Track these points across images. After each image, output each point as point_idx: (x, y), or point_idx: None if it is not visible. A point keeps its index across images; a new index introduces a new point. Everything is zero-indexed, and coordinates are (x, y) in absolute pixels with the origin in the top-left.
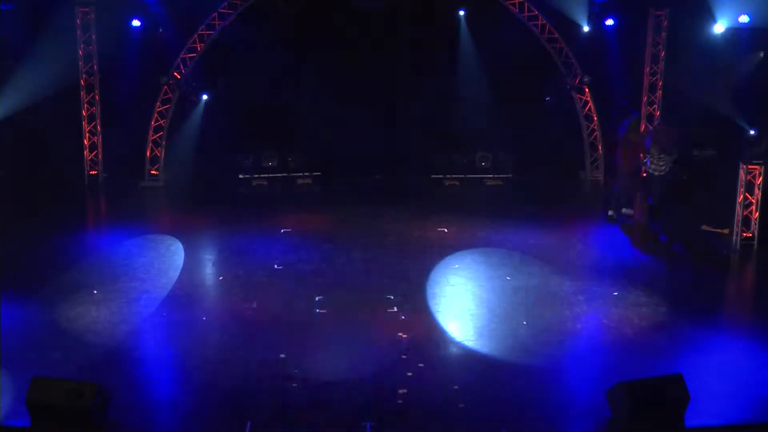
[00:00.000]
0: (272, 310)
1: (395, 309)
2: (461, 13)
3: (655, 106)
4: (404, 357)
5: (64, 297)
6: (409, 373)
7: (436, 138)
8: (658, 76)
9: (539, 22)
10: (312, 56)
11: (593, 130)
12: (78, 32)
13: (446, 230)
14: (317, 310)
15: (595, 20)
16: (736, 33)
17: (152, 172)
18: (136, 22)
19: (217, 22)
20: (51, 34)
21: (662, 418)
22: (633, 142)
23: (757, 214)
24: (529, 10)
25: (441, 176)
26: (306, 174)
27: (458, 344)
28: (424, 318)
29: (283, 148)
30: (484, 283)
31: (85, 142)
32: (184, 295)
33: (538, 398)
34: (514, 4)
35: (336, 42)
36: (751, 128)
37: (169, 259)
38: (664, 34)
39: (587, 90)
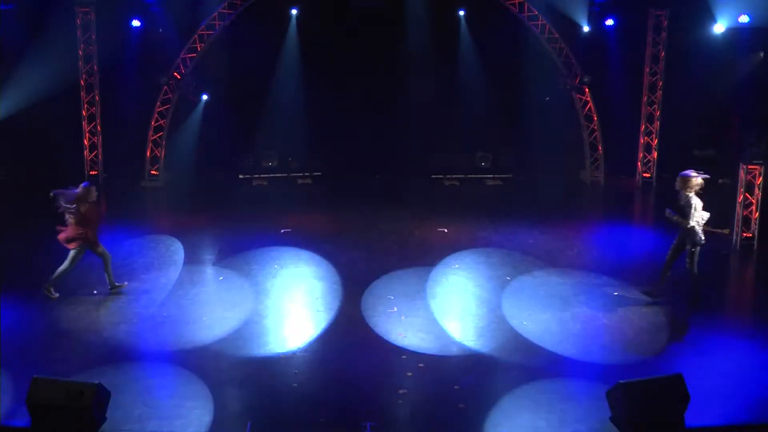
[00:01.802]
0: (272, 311)
1: (395, 309)
2: (461, 13)
3: (655, 106)
4: (404, 357)
5: (64, 297)
6: (409, 373)
7: (436, 138)
8: (658, 76)
9: (539, 22)
10: (312, 56)
11: (593, 130)
12: (78, 32)
13: (446, 230)
14: (317, 311)
15: (595, 20)
16: (736, 33)
17: (152, 172)
18: (136, 22)
19: (217, 22)
20: (51, 34)
21: (662, 418)
22: None
23: (757, 214)
24: (529, 10)
25: (441, 176)
26: (306, 174)
27: (458, 344)
28: (423, 318)
29: (283, 148)
30: (484, 283)
31: (85, 142)
32: (183, 296)
33: (538, 398)
34: (514, 4)
35: (336, 42)
36: (751, 128)
37: (169, 260)
38: (664, 34)
39: (587, 90)
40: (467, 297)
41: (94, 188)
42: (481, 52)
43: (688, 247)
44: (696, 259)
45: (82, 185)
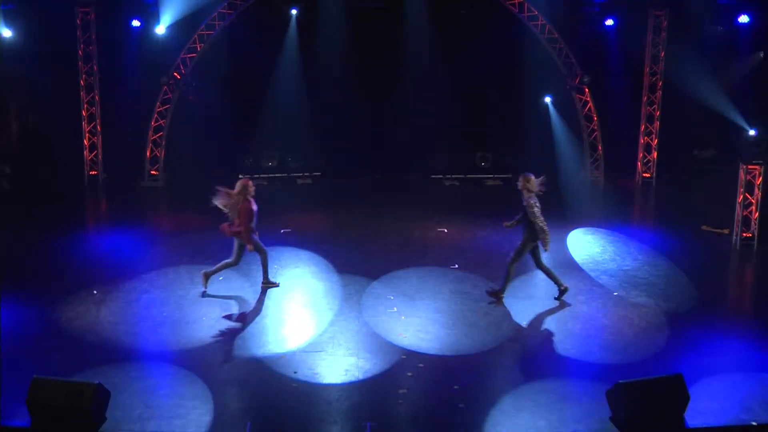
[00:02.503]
0: (272, 311)
1: (395, 309)
2: (461, 12)
3: (655, 106)
4: (404, 357)
5: (64, 297)
6: (409, 373)
7: (436, 138)
8: (658, 76)
9: (539, 22)
10: (312, 56)
11: (593, 130)
12: (78, 32)
13: (446, 230)
14: (318, 310)
15: (595, 20)
16: (736, 33)
17: (152, 172)
18: (136, 22)
19: (217, 22)
20: (51, 34)
21: (662, 418)
22: None
23: (757, 214)
24: (529, 10)
25: (441, 176)
26: (306, 174)
27: (458, 344)
28: (423, 318)
29: (283, 148)
30: (484, 283)
31: (85, 142)
32: (183, 296)
33: (537, 398)
34: (514, 4)
35: (336, 42)
36: (751, 128)
37: (169, 260)
38: (664, 34)
39: (587, 90)
40: (467, 297)
41: (251, 183)
42: (481, 52)
43: (531, 244)
44: (521, 257)
45: (239, 181)
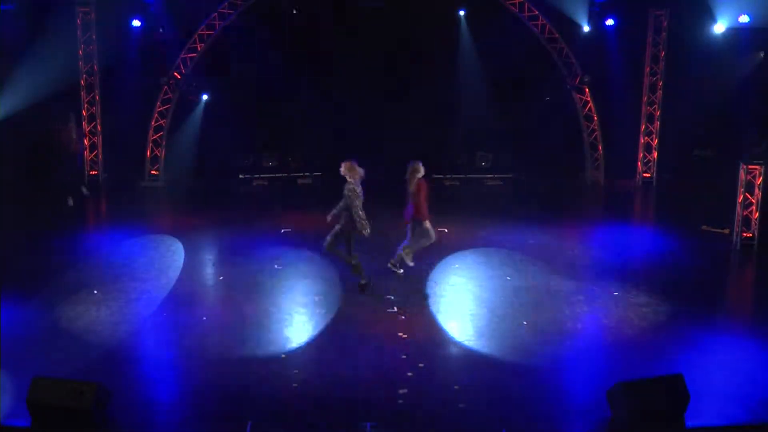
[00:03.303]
0: (272, 311)
1: (395, 309)
2: (461, 13)
3: (655, 106)
4: (404, 357)
5: (64, 297)
6: (409, 373)
7: (436, 138)
8: (658, 76)
9: (539, 22)
10: (312, 56)
11: (593, 130)
12: (78, 32)
13: (446, 230)
14: (317, 310)
15: (595, 20)
16: (736, 33)
17: (152, 172)
18: (136, 22)
19: (217, 22)
20: (51, 34)
21: (662, 418)
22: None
23: (757, 214)
24: (529, 10)
25: (441, 176)
26: (306, 174)
27: (458, 344)
28: (424, 318)
29: (283, 148)
30: (484, 283)
31: (85, 142)
32: (184, 295)
33: (538, 398)
34: (514, 4)
35: (336, 41)
36: (751, 128)
37: (170, 259)
38: (664, 34)
39: (587, 90)
40: (467, 297)
41: (418, 165)
42: (481, 52)
43: (350, 231)
44: (353, 246)
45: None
